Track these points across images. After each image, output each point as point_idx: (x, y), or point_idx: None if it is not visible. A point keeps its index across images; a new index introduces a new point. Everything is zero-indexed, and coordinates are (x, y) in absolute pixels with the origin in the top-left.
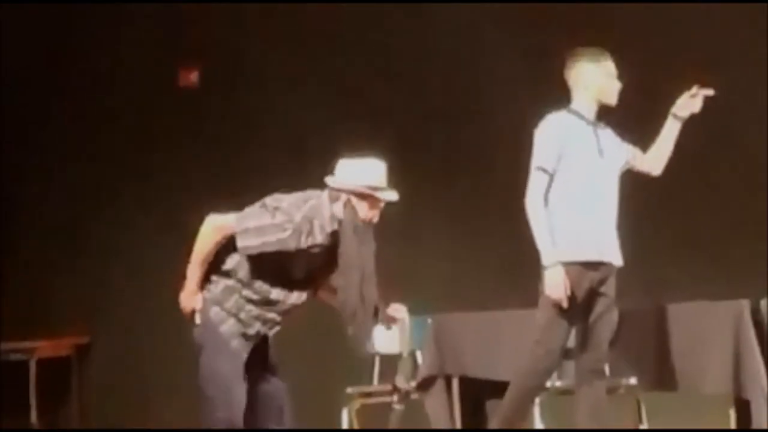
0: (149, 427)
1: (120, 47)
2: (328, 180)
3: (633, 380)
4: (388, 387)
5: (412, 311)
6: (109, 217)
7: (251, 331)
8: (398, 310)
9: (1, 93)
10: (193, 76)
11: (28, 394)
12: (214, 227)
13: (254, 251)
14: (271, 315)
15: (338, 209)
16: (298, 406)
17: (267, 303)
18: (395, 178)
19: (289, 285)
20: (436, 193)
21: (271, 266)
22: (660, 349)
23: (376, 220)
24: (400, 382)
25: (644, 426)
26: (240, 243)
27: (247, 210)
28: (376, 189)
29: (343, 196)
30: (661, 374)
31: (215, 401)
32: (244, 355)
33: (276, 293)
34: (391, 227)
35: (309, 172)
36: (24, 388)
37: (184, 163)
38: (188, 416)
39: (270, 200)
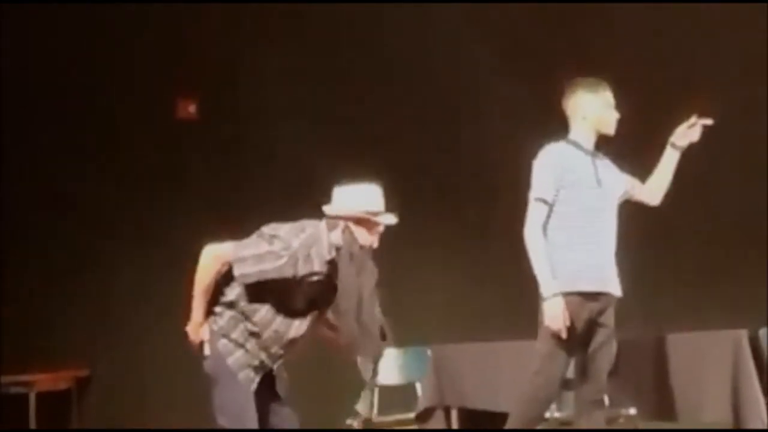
0: None
1: (118, 80)
2: (326, 208)
3: (632, 410)
4: (389, 418)
5: (411, 342)
6: (108, 250)
7: (256, 362)
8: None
9: (4, 129)
10: (191, 108)
11: (28, 427)
12: (212, 257)
13: (252, 279)
14: (274, 349)
15: (336, 237)
16: None
17: (268, 336)
18: (394, 208)
19: (290, 316)
20: (436, 223)
21: (271, 296)
22: (659, 379)
23: (375, 245)
24: (361, 409)
25: None
26: (237, 271)
27: (245, 240)
28: (374, 213)
29: (341, 223)
30: (661, 404)
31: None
32: (253, 387)
33: (276, 325)
34: (391, 257)
35: (309, 201)
36: (24, 421)
37: (184, 195)
38: None
39: (267, 229)
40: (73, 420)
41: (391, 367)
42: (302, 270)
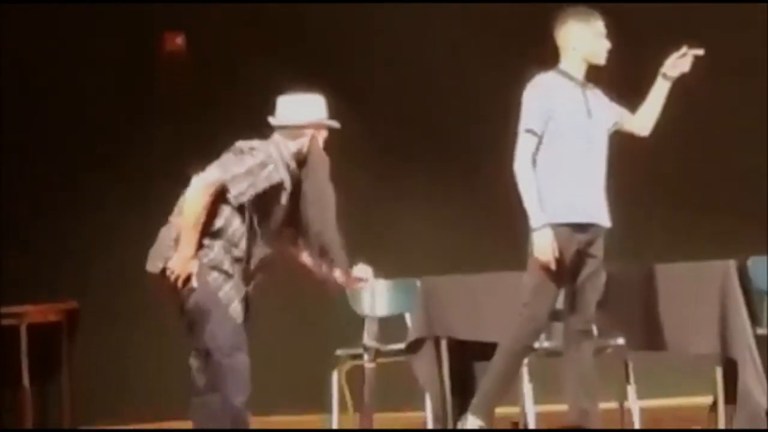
0: (142, 394)
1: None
2: (287, 119)
3: (621, 340)
4: (378, 348)
5: (400, 274)
6: (99, 184)
7: (242, 294)
8: (364, 270)
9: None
10: (179, 40)
11: (20, 359)
12: (203, 186)
13: (247, 196)
14: (255, 274)
15: (303, 145)
16: (290, 369)
17: (252, 260)
18: (384, 142)
19: (268, 235)
20: (424, 154)
21: (256, 215)
22: (648, 309)
23: None
24: (368, 341)
25: (632, 385)
26: (233, 191)
27: (224, 159)
28: (329, 120)
29: (309, 132)
30: (649, 334)
31: (220, 368)
32: (240, 320)
33: (259, 247)
34: (380, 190)
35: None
36: (16, 352)
37: (175, 132)
38: (179, 382)
39: (241, 144)
40: (64, 352)
41: (380, 298)
42: (284, 174)
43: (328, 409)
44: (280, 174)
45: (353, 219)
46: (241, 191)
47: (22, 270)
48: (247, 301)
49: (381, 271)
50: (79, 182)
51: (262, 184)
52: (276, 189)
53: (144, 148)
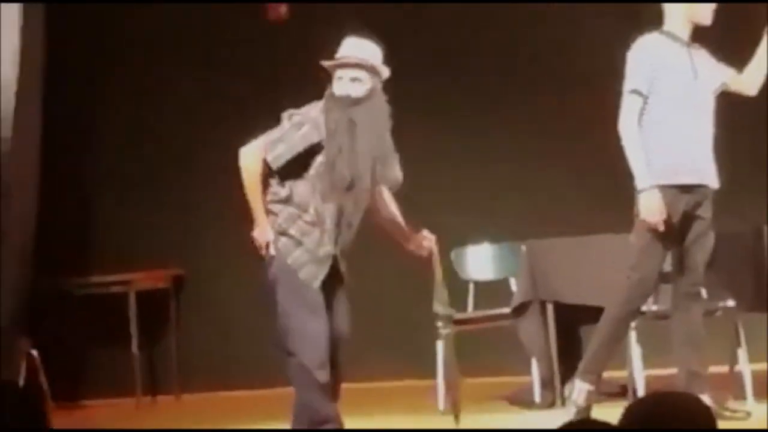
0: (248, 359)
1: None
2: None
3: (730, 302)
4: (484, 314)
5: (505, 237)
6: (211, 156)
7: (318, 256)
8: (426, 238)
9: (78, 42)
10: (282, 9)
11: (129, 325)
12: (249, 155)
13: (284, 159)
14: (330, 238)
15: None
16: (394, 335)
17: (323, 222)
18: (478, 103)
19: (335, 199)
20: (528, 117)
21: (317, 181)
22: (757, 270)
23: (350, 92)
24: (438, 308)
25: (742, 348)
26: (270, 156)
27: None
28: (336, 59)
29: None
30: (759, 296)
31: (291, 336)
32: (316, 283)
33: (329, 211)
34: (484, 153)
35: None
36: (125, 319)
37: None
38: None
39: (289, 112)
40: (172, 318)
41: (485, 262)
42: (324, 133)
43: (434, 375)
44: (319, 132)
45: (457, 183)
46: (277, 154)
47: (131, 237)
48: (335, 263)
49: (485, 236)
50: (193, 153)
51: (299, 145)
52: (319, 147)
53: (261, 121)
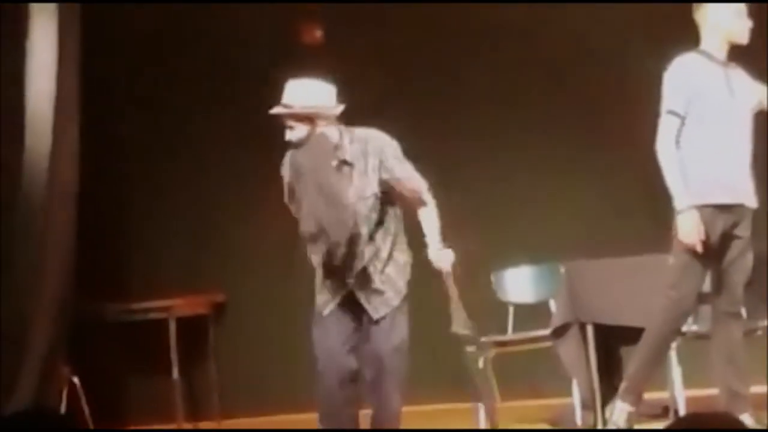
0: (288, 384)
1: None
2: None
3: None
4: (523, 336)
5: (544, 259)
6: (246, 177)
7: (328, 284)
8: (438, 259)
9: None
10: (317, 33)
11: (169, 351)
12: None
13: (288, 201)
14: (340, 269)
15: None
16: (434, 357)
17: (330, 260)
18: (520, 123)
19: (315, 250)
20: (564, 136)
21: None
22: None
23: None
24: (457, 329)
25: None
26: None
27: None
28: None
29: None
30: None
31: (318, 368)
32: (326, 311)
33: (315, 260)
34: (522, 172)
35: None
36: (165, 345)
37: None
38: None
39: None
40: (211, 343)
41: (524, 284)
42: (285, 171)
43: (475, 397)
44: (284, 170)
45: (496, 204)
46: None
47: (171, 264)
48: (352, 296)
49: (524, 257)
50: (236, 179)
51: (285, 188)
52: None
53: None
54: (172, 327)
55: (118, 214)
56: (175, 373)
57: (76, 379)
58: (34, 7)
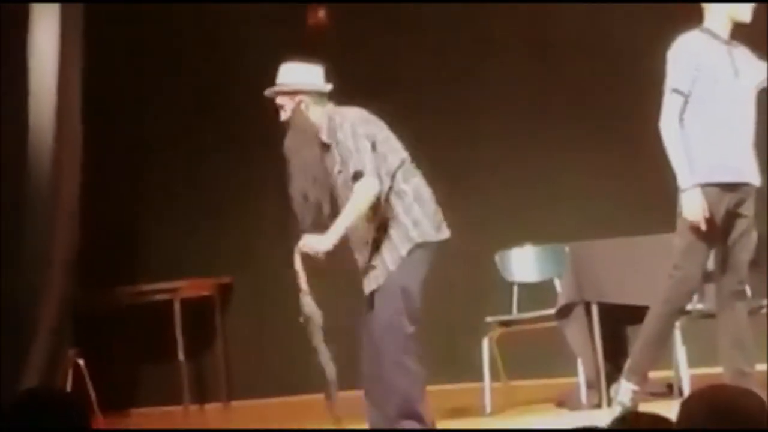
0: (294, 367)
1: None
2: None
3: None
4: (529, 315)
5: (549, 239)
6: (253, 159)
7: None
8: (318, 241)
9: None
10: (321, 13)
11: (175, 333)
12: None
13: None
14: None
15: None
16: (439, 338)
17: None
18: (527, 108)
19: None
20: (567, 117)
21: None
22: None
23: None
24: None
25: None
26: None
27: None
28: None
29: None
30: None
31: None
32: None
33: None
34: (527, 157)
35: None
36: (170, 327)
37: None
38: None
39: None
40: (217, 326)
41: (529, 264)
42: None
43: (480, 378)
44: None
45: (501, 185)
46: None
47: (177, 246)
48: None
49: (529, 238)
50: (243, 163)
51: None
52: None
53: None
54: (177, 309)
55: (125, 197)
56: (181, 355)
57: (81, 362)
58: (37, 7)
